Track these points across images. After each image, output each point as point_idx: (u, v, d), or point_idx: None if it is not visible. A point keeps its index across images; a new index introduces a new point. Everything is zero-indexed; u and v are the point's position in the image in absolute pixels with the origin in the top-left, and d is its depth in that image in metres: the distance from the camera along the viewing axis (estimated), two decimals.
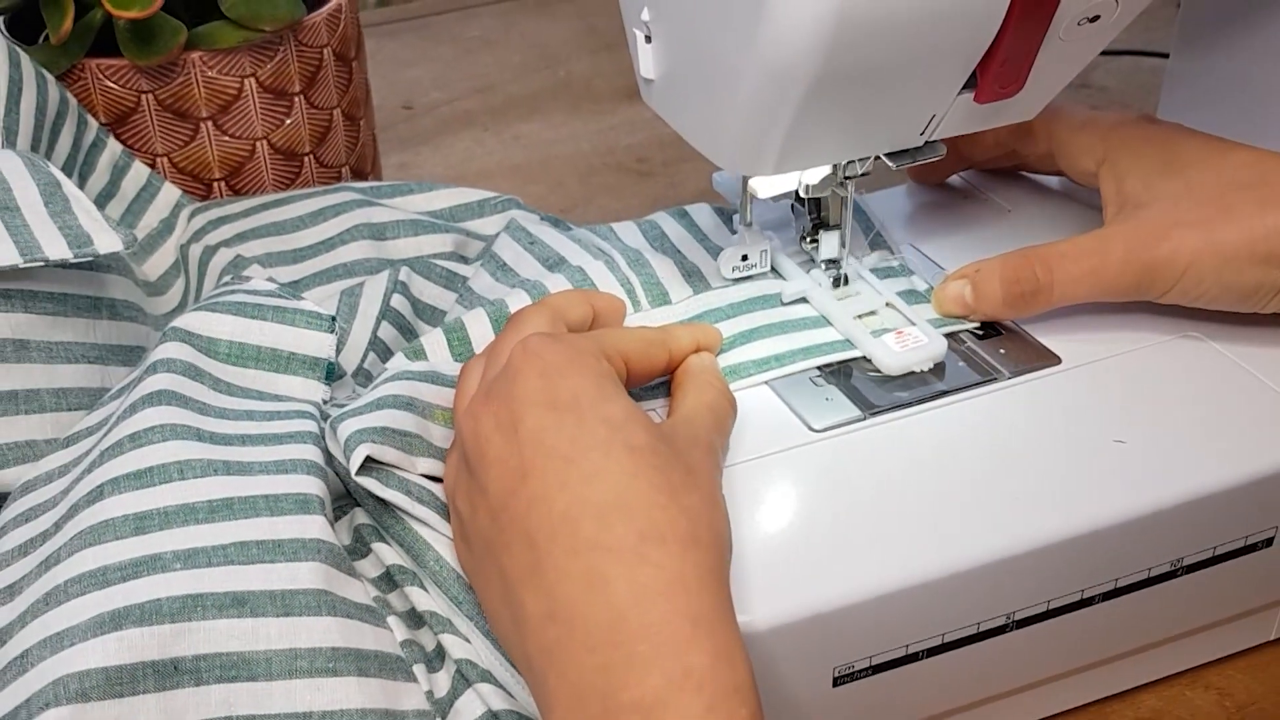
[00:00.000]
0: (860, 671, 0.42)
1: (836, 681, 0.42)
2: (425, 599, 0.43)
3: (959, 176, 0.62)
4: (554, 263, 0.56)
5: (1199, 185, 0.49)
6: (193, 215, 0.63)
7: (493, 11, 1.08)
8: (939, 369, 0.49)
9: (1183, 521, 0.44)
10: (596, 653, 0.35)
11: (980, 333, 0.51)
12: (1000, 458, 0.46)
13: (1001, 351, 0.50)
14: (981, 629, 0.43)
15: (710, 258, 0.55)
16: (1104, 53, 0.51)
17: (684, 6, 0.45)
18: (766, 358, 0.50)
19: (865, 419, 0.47)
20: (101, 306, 0.52)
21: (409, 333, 0.55)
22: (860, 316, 0.52)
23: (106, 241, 0.50)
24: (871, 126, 0.47)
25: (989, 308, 0.51)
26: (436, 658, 0.42)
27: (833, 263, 0.53)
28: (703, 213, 0.58)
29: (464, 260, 0.61)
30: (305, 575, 0.40)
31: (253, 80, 0.63)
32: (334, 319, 0.50)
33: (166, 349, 0.47)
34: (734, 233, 0.55)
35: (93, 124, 0.61)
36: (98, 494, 0.41)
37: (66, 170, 0.58)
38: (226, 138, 0.64)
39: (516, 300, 0.51)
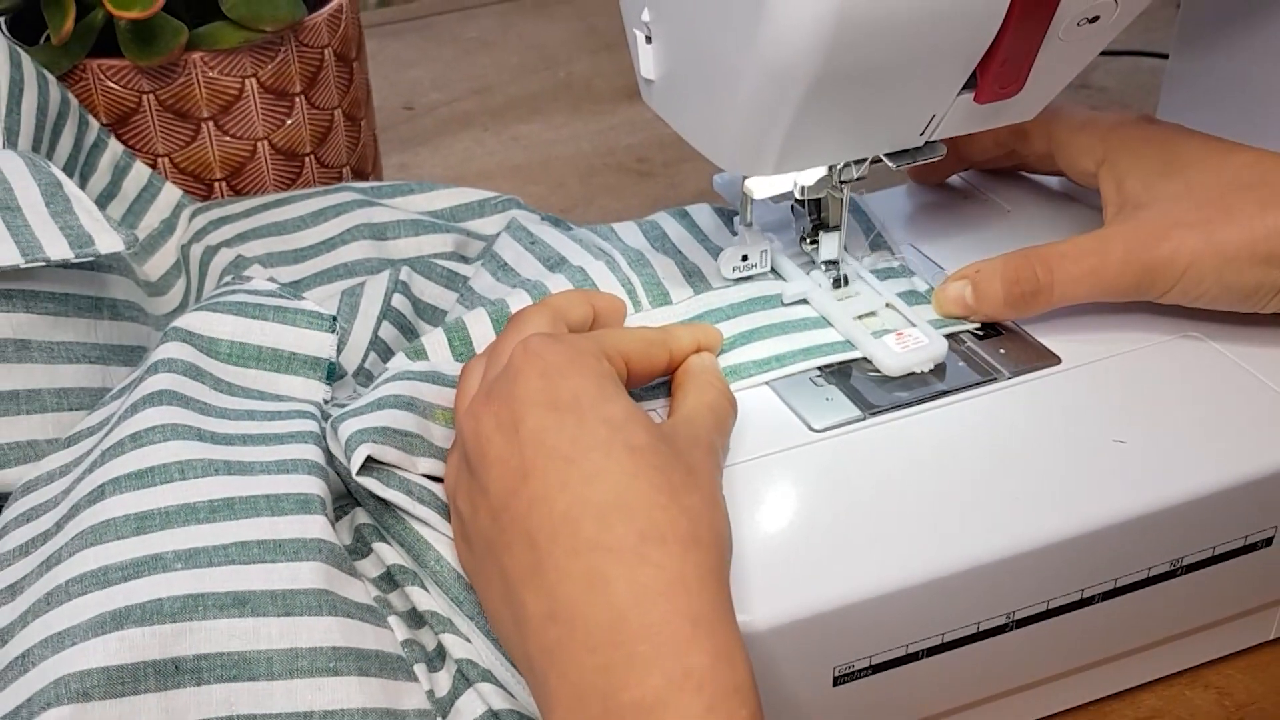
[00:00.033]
0: (860, 671, 0.42)
1: (836, 681, 0.42)
2: (426, 599, 0.43)
3: (959, 177, 0.62)
4: (555, 263, 0.56)
5: (1199, 186, 0.49)
6: (194, 215, 0.63)
7: (493, 12, 1.08)
8: (939, 369, 0.49)
9: (1182, 521, 0.45)
10: (597, 653, 0.35)
11: (980, 333, 0.51)
12: (1000, 458, 0.46)
13: (1001, 351, 0.50)
14: (981, 629, 0.44)
15: (711, 258, 0.55)
16: (1104, 53, 0.51)
17: (684, 7, 0.46)
18: (767, 358, 0.50)
19: (865, 419, 0.47)
20: (103, 306, 0.52)
21: (410, 332, 0.55)
22: (860, 317, 0.52)
23: (108, 242, 0.50)
24: (871, 127, 0.47)
25: (990, 308, 0.51)
26: (437, 657, 0.42)
27: (833, 264, 0.54)
28: (703, 213, 0.58)
29: (465, 260, 0.61)
30: (306, 575, 0.40)
31: (254, 81, 0.63)
32: (335, 319, 0.50)
33: (167, 349, 0.47)
34: (734, 234, 0.55)
35: (94, 124, 0.61)
36: (99, 494, 0.41)
37: (68, 171, 0.58)
38: (227, 138, 0.64)
39: (517, 300, 0.51)
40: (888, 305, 0.52)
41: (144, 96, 0.62)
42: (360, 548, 0.45)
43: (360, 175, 0.70)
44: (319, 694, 0.39)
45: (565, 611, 0.36)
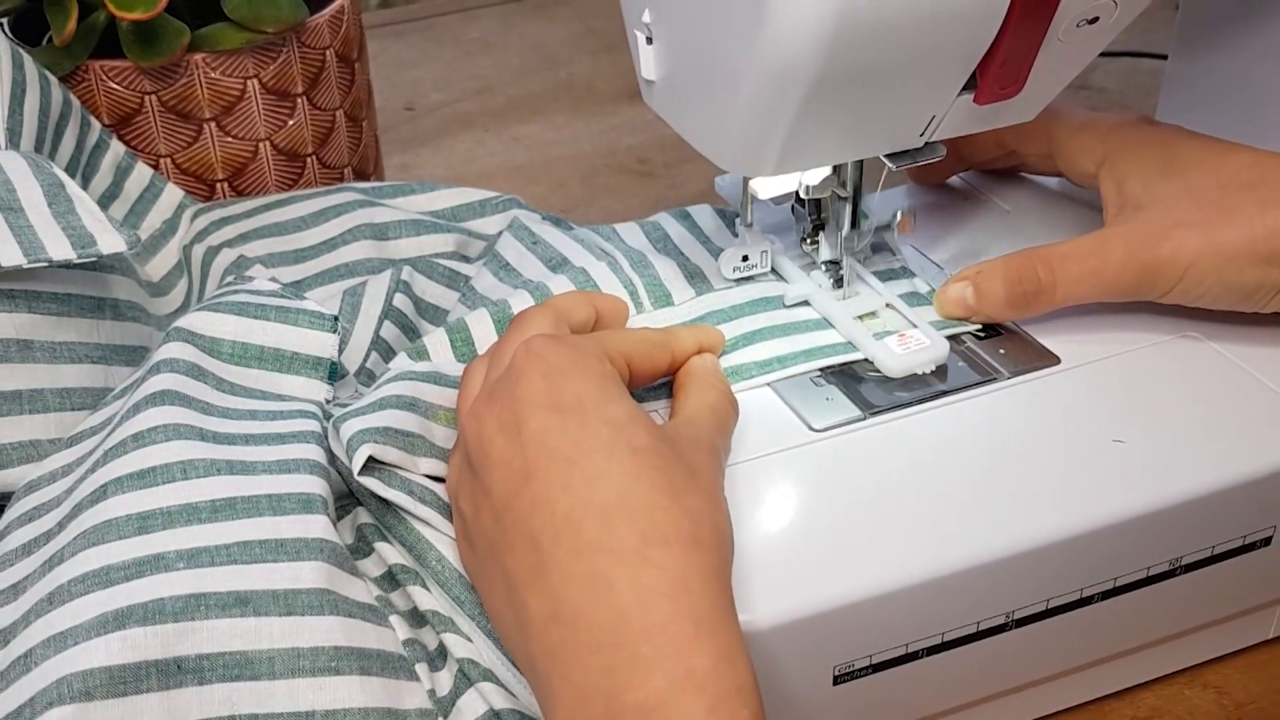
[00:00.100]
0: (860, 670, 0.42)
1: (837, 680, 0.42)
2: (427, 598, 0.43)
3: (959, 177, 0.62)
4: (557, 263, 0.56)
5: (1199, 186, 0.49)
6: (195, 216, 0.63)
7: (494, 13, 1.08)
8: (940, 370, 0.50)
9: (1181, 521, 0.45)
10: (600, 654, 0.35)
11: (980, 334, 0.51)
12: (1000, 458, 0.46)
13: (1001, 352, 0.50)
14: (981, 628, 0.44)
15: (713, 259, 0.55)
16: (1103, 54, 0.51)
17: (685, 8, 0.46)
18: (769, 359, 0.50)
19: (865, 419, 0.47)
20: (105, 307, 0.52)
21: (411, 332, 0.56)
22: (861, 318, 0.52)
23: (110, 242, 0.50)
24: (872, 127, 0.47)
25: (991, 309, 0.51)
26: (439, 656, 0.42)
27: (833, 264, 0.54)
28: (705, 214, 0.58)
29: (466, 260, 0.61)
30: (308, 575, 0.40)
31: (255, 81, 0.63)
32: (337, 319, 0.50)
33: (169, 349, 0.47)
34: (736, 234, 0.55)
35: (96, 125, 0.61)
36: (101, 493, 0.41)
37: (70, 171, 0.58)
38: (229, 139, 0.64)
39: (520, 301, 0.51)
40: (888, 306, 0.52)
41: (146, 97, 0.62)
42: (362, 547, 0.45)
43: (362, 176, 0.70)
44: (321, 693, 0.39)
45: (568, 613, 0.36)
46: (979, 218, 0.59)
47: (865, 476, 0.45)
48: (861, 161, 0.51)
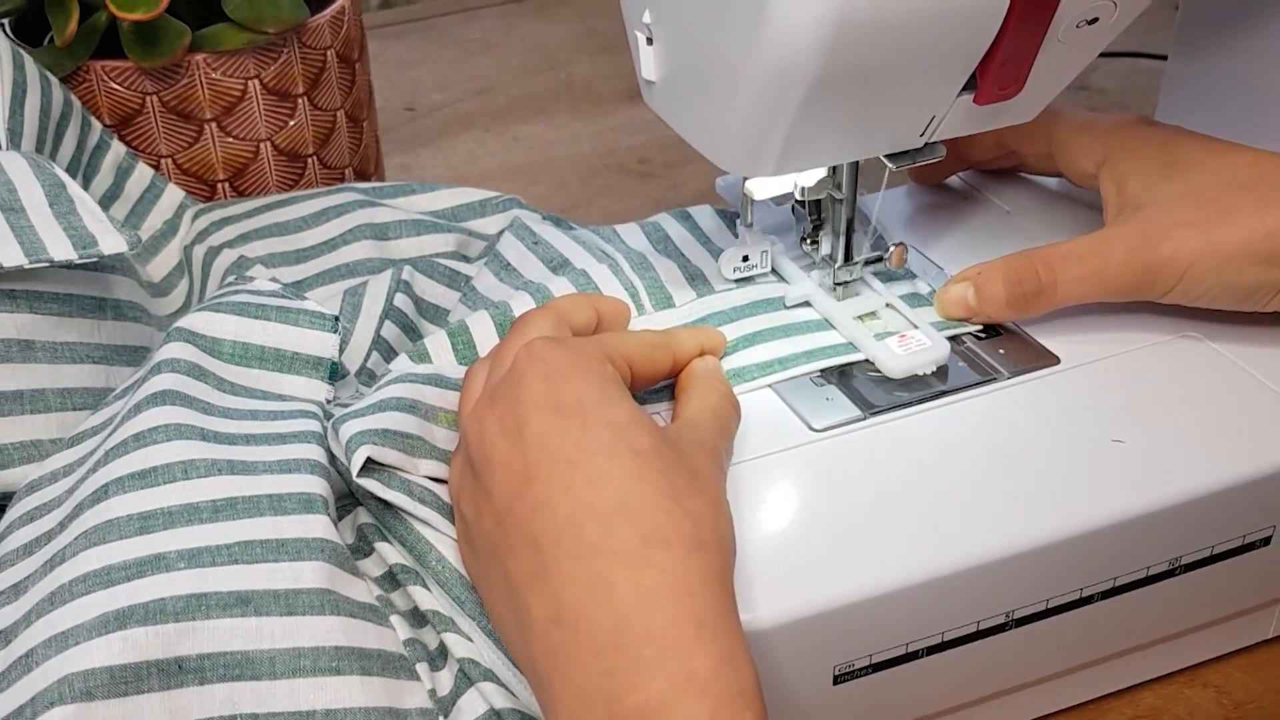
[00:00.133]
0: (860, 670, 0.43)
1: (837, 680, 0.42)
2: (428, 598, 0.43)
3: (959, 177, 0.62)
4: (558, 265, 0.56)
5: (1199, 186, 0.49)
6: (196, 216, 0.63)
7: (494, 14, 1.08)
8: (940, 370, 0.50)
9: (1181, 521, 0.45)
10: (601, 657, 0.35)
11: (981, 334, 0.52)
12: (1000, 458, 0.46)
13: (1001, 352, 0.51)
14: (981, 628, 0.44)
15: (713, 260, 0.55)
16: (1102, 54, 0.52)
17: (685, 9, 0.46)
18: (770, 361, 0.50)
19: (865, 419, 0.47)
20: (106, 307, 0.52)
21: (412, 332, 0.56)
22: (862, 318, 0.52)
23: (111, 242, 0.50)
24: (871, 127, 0.47)
25: (992, 309, 0.51)
26: (439, 656, 0.43)
27: (831, 260, 0.54)
28: (705, 214, 0.58)
29: (466, 259, 0.61)
30: (309, 574, 0.40)
31: (256, 82, 0.63)
32: (337, 319, 0.50)
33: (171, 349, 0.47)
34: (736, 235, 0.55)
35: (97, 126, 0.61)
36: (102, 493, 0.41)
37: (71, 172, 0.58)
38: (230, 139, 0.64)
39: (521, 303, 0.51)
40: (889, 306, 0.52)
41: (147, 98, 0.62)
42: (363, 547, 0.45)
43: (362, 176, 0.71)
44: (321, 693, 0.39)
45: (569, 615, 0.36)
46: (979, 218, 0.59)
47: (865, 476, 0.45)
48: (857, 163, 0.51)
